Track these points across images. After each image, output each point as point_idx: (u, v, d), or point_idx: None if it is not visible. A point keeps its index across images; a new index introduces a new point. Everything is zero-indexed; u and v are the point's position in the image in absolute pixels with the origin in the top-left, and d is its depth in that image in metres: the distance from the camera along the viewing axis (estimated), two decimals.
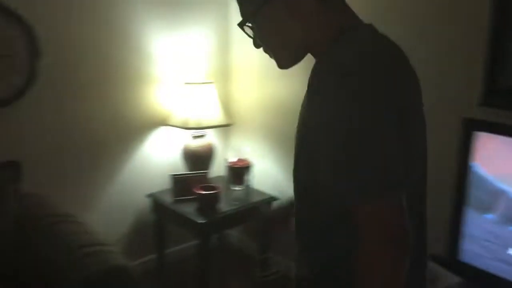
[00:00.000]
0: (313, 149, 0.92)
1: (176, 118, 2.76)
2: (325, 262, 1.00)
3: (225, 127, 2.97)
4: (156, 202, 2.72)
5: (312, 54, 1.02)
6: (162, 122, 2.83)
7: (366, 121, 0.83)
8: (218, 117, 2.80)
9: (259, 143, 2.98)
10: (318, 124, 0.90)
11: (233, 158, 2.72)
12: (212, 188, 2.58)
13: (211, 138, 2.93)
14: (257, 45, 1.06)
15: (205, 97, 2.76)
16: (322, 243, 1.00)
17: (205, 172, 2.75)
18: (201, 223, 2.42)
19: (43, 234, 1.95)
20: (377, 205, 0.83)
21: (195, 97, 2.74)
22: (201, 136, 2.81)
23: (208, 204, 2.54)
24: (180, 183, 2.65)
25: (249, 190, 2.74)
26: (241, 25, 1.01)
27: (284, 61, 1.04)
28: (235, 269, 3.00)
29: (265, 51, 1.05)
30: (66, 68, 2.41)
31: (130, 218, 2.82)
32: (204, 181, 2.68)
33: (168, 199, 2.67)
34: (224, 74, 3.09)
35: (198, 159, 2.79)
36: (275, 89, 2.83)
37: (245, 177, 2.71)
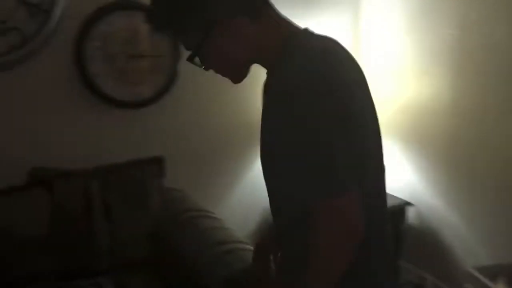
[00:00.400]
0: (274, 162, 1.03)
1: None
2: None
3: None
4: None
5: (261, 65, 1.07)
6: None
7: (316, 135, 0.93)
8: None
9: (388, 143, 2.81)
10: (275, 141, 0.99)
11: None
12: None
13: None
14: (207, 69, 1.09)
15: None
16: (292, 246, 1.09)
17: None
18: None
19: (184, 228, 2.04)
20: (335, 200, 0.93)
21: None
22: None
23: None
24: None
25: None
26: (190, 59, 1.05)
27: (236, 79, 1.09)
28: None
29: (216, 72, 1.08)
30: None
31: (260, 217, 2.84)
32: None
33: None
34: None
35: None
36: (413, 89, 2.65)
37: None
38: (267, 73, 1.07)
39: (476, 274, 1.86)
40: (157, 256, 2.06)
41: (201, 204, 2.21)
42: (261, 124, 1.03)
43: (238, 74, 1.08)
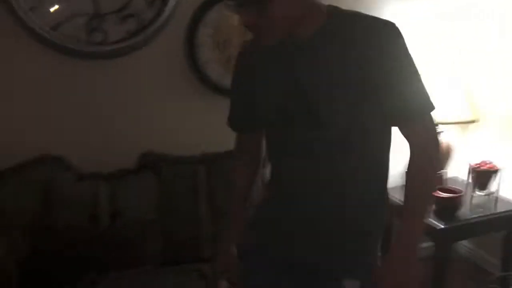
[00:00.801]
0: (370, 90, 1.09)
1: None
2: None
3: (466, 124, 2.67)
4: None
5: (295, 30, 1.09)
6: None
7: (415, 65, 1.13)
8: (462, 112, 2.51)
9: (509, 144, 2.59)
10: (382, 68, 1.08)
11: (476, 160, 2.43)
12: (452, 191, 2.34)
13: (449, 135, 2.66)
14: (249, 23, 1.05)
15: (446, 88, 2.50)
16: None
17: (441, 173, 2.51)
18: (440, 228, 2.21)
19: None
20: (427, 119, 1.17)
21: (434, 87, 2.48)
22: (439, 132, 2.57)
23: (447, 208, 2.31)
24: None
25: (494, 197, 2.41)
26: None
27: (273, 37, 1.08)
28: (465, 282, 2.71)
29: (252, 28, 1.07)
30: None
31: None
32: (439, 182, 2.45)
33: (399, 196, 2.51)
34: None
35: None
36: None
37: (491, 183, 2.40)
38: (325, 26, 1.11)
39: None
40: None
41: None
42: (324, 72, 1.10)
43: (275, 34, 1.07)
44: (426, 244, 2.82)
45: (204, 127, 2.25)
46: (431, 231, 2.29)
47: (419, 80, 1.14)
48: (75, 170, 1.94)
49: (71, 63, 2.02)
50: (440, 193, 2.31)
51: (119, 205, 1.91)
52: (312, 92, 1.12)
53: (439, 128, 2.52)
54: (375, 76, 1.08)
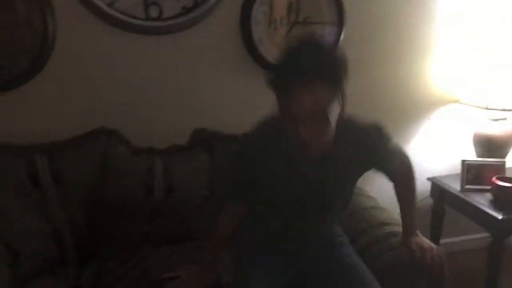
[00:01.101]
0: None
1: (472, 96, 2.45)
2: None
3: None
4: (439, 187, 2.51)
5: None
6: (452, 99, 2.57)
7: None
8: None
9: None
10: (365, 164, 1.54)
11: None
12: None
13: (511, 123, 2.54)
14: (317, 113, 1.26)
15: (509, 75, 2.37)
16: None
17: (503, 162, 2.39)
18: (499, 218, 2.11)
19: None
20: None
21: (502, 71, 2.36)
22: (502, 119, 2.44)
23: (507, 198, 2.21)
24: (472, 170, 2.37)
25: None
26: (326, 107, 1.26)
27: (324, 127, 1.28)
28: None
29: (313, 139, 1.27)
30: (361, 38, 2.36)
31: None
32: (500, 171, 2.34)
33: (454, 185, 2.43)
34: None
35: (494, 146, 2.44)
36: None
37: None
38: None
39: None
40: None
41: None
42: (342, 162, 1.44)
43: (326, 125, 1.28)
44: (479, 235, 2.73)
45: (255, 106, 2.22)
46: (488, 222, 2.21)
47: (398, 150, 1.63)
48: (130, 144, 1.97)
49: (128, 39, 2.03)
50: (499, 182, 2.21)
51: (173, 180, 1.92)
52: (329, 188, 1.48)
53: (503, 115, 2.41)
54: (370, 164, 1.55)
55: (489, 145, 2.45)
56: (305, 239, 1.60)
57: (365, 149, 1.46)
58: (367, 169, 1.56)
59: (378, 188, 2.49)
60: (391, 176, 1.64)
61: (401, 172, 1.63)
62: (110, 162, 1.88)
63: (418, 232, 1.65)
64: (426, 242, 1.60)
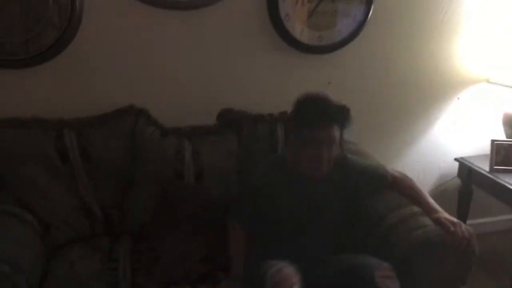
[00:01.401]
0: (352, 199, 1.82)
1: (502, 75, 2.38)
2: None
3: None
4: (466, 167, 2.46)
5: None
6: (482, 78, 2.51)
7: None
8: None
9: None
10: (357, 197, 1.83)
11: None
12: None
13: None
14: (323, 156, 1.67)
15: None
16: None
17: None
18: None
19: None
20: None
21: None
22: None
23: None
24: (501, 151, 2.32)
25: None
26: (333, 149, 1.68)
27: (324, 171, 1.69)
28: None
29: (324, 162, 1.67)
30: (389, 16, 2.31)
31: (433, 179, 2.65)
32: None
33: (483, 166, 2.38)
34: None
35: None
36: None
37: None
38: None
39: None
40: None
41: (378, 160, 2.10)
42: (336, 194, 1.78)
43: (330, 167, 1.69)
44: (507, 217, 2.70)
45: (282, 84, 2.21)
46: None
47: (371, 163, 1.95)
48: (158, 124, 1.97)
49: (153, 14, 2.01)
50: None
51: (202, 161, 1.92)
52: (325, 210, 1.76)
53: None
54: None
55: None
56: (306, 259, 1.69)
57: (348, 182, 1.81)
58: (356, 187, 1.81)
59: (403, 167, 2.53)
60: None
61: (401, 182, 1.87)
62: (139, 142, 1.89)
63: (442, 210, 1.70)
64: (454, 218, 1.65)
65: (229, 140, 1.99)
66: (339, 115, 1.68)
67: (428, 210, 1.71)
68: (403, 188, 1.84)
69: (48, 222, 1.79)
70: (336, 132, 1.66)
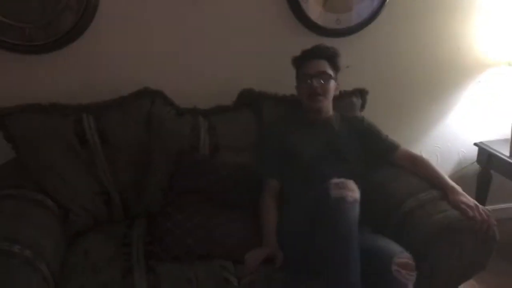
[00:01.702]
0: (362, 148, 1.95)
1: None
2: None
3: None
4: (486, 152, 2.43)
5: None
6: (503, 61, 2.44)
7: None
8: None
9: None
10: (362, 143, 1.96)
11: None
12: None
13: None
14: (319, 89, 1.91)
15: None
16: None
17: None
18: None
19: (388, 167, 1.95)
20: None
21: None
22: None
23: None
24: None
25: None
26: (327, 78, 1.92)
27: (322, 104, 1.93)
28: None
29: (320, 93, 1.90)
30: None
31: (452, 164, 2.62)
32: None
33: (503, 150, 2.35)
34: None
35: None
36: None
37: None
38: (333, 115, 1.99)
39: None
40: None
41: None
42: (344, 139, 1.92)
43: (328, 101, 1.94)
44: None
45: None
46: None
47: (384, 134, 1.99)
48: (174, 105, 1.97)
49: None
50: None
51: (217, 136, 1.93)
52: (342, 145, 1.90)
53: None
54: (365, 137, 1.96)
55: None
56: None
57: (356, 126, 1.98)
58: (363, 144, 1.94)
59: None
60: (400, 158, 1.93)
61: (412, 157, 1.92)
62: (155, 122, 1.89)
63: (460, 190, 1.72)
64: (471, 200, 1.67)
65: (247, 117, 2.00)
66: (326, 52, 1.92)
67: (445, 189, 1.72)
68: (420, 167, 1.85)
69: (67, 207, 1.80)
70: (325, 67, 1.90)
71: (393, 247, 1.57)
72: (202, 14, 2.07)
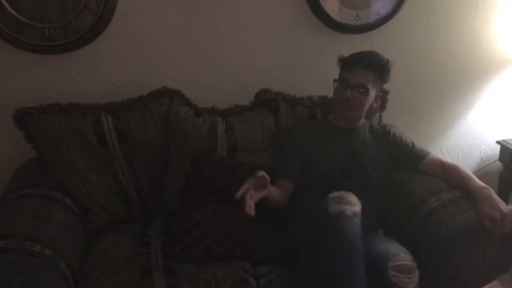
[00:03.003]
0: (388, 160, 1.89)
1: None
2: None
3: None
4: (509, 150, 2.38)
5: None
6: None
7: None
8: None
9: None
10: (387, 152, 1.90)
11: None
12: None
13: None
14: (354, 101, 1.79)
15: None
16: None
17: None
18: None
19: None
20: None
21: None
22: None
23: None
24: None
25: None
26: (365, 92, 1.78)
27: (357, 116, 1.86)
28: None
29: (352, 106, 1.79)
30: None
31: (474, 162, 2.59)
32: None
33: None
34: None
35: None
36: None
37: None
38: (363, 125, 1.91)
39: None
40: None
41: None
42: (369, 150, 1.85)
43: (360, 115, 1.85)
44: None
45: (318, 65, 2.17)
46: None
47: (413, 142, 1.92)
48: (192, 104, 1.97)
49: None
50: None
51: (234, 136, 1.92)
52: (363, 158, 1.83)
53: None
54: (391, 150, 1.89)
55: None
56: None
57: (382, 137, 1.91)
58: (389, 154, 1.88)
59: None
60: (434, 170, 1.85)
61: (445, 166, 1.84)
62: (173, 122, 1.89)
63: (492, 196, 1.62)
64: (500, 209, 1.57)
65: (264, 117, 1.98)
66: (376, 64, 1.77)
67: (474, 197, 1.62)
68: (449, 174, 1.78)
69: (87, 206, 1.82)
70: (368, 80, 1.76)
71: (390, 249, 1.53)
72: (219, 13, 2.06)
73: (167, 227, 1.84)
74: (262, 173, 1.59)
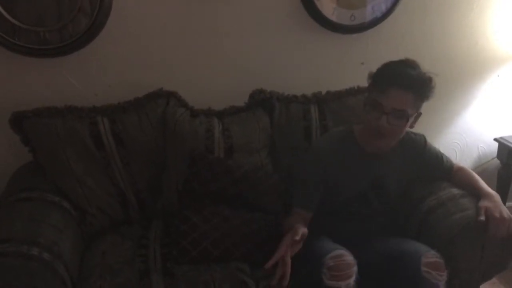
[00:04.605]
0: (415, 174, 1.79)
1: None
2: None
3: None
4: (507, 148, 2.38)
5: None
6: None
7: None
8: None
9: None
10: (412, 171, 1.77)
11: None
12: None
13: None
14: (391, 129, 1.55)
15: None
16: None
17: None
18: None
19: None
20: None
21: None
22: None
23: None
24: None
25: None
26: (406, 118, 1.54)
27: (391, 142, 1.65)
28: None
29: (387, 134, 1.56)
30: None
31: (471, 160, 2.59)
32: None
33: None
34: None
35: None
36: None
37: None
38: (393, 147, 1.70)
39: None
40: None
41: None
42: (396, 173, 1.71)
43: (395, 142, 1.65)
44: None
45: (314, 65, 2.17)
46: None
47: (442, 154, 1.83)
48: (188, 106, 1.97)
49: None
50: None
51: (231, 137, 1.92)
52: (387, 185, 1.70)
53: None
54: (419, 167, 1.78)
55: None
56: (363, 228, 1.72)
57: (411, 158, 1.74)
58: (418, 172, 1.78)
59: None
60: (447, 174, 1.80)
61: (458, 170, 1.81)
62: (170, 123, 1.89)
63: (498, 199, 1.62)
64: (502, 211, 1.55)
65: (260, 117, 1.98)
66: (417, 83, 1.49)
67: (481, 196, 1.63)
68: (461, 178, 1.77)
69: (84, 209, 1.82)
70: (407, 103, 1.49)
71: (419, 247, 1.52)
72: (215, 14, 2.05)
73: (166, 229, 1.84)
74: (302, 234, 1.45)
